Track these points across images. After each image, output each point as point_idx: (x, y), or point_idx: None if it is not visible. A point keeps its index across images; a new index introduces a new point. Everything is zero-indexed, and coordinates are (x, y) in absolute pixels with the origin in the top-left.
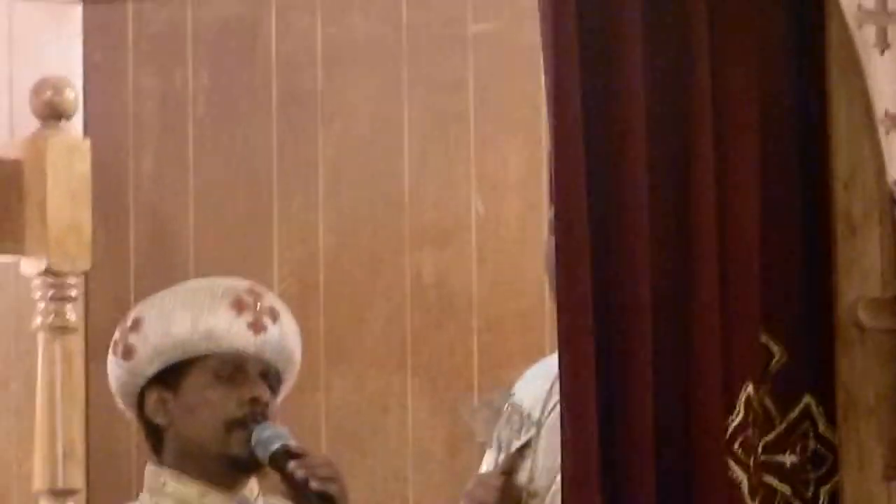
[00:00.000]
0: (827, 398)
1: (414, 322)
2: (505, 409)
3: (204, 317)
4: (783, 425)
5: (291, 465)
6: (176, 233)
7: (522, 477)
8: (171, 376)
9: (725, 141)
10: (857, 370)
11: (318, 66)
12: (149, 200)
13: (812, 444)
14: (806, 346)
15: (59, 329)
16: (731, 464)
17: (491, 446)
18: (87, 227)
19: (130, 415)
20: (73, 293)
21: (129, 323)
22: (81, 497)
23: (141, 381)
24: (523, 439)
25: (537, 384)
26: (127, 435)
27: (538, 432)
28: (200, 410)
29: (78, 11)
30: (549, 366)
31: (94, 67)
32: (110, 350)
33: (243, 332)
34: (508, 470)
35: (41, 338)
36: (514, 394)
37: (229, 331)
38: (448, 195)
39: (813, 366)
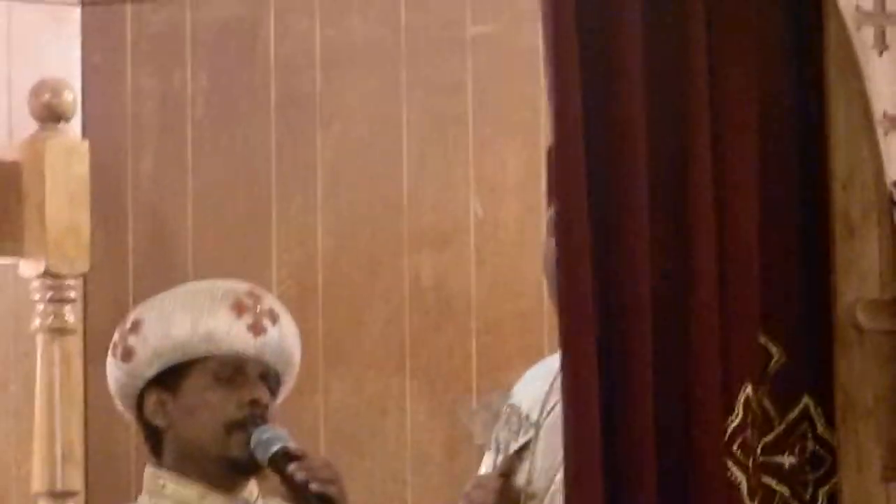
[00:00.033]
0: (826, 399)
1: (412, 324)
2: (504, 410)
3: (204, 319)
4: (782, 426)
5: (291, 467)
6: (175, 234)
7: (520, 479)
8: (170, 378)
9: (724, 141)
10: (855, 371)
11: (317, 67)
12: (148, 202)
13: (811, 445)
14: (805, 346)
15: (58, 331)
16: (730, 464)
17: (489, 448)
18: (86, 228)
19: (129, 417)
20: (72, 295)
21: (128, 325)
22: (80, 499)
23: (140, 383)
24: (521, 441)
25: (536, 385)
26: (126, 437)
27: (536, 434)
28: (200, 412)
29: (76, 13)
30: (548, 367)
31: (92, 69)
32: (109, 352)
33: (243, 335)
34: (507, 472)
35: (40, 339)
36: (512, 395)
37: (229, 333)
38: (447, 197)
39: (812, 367)
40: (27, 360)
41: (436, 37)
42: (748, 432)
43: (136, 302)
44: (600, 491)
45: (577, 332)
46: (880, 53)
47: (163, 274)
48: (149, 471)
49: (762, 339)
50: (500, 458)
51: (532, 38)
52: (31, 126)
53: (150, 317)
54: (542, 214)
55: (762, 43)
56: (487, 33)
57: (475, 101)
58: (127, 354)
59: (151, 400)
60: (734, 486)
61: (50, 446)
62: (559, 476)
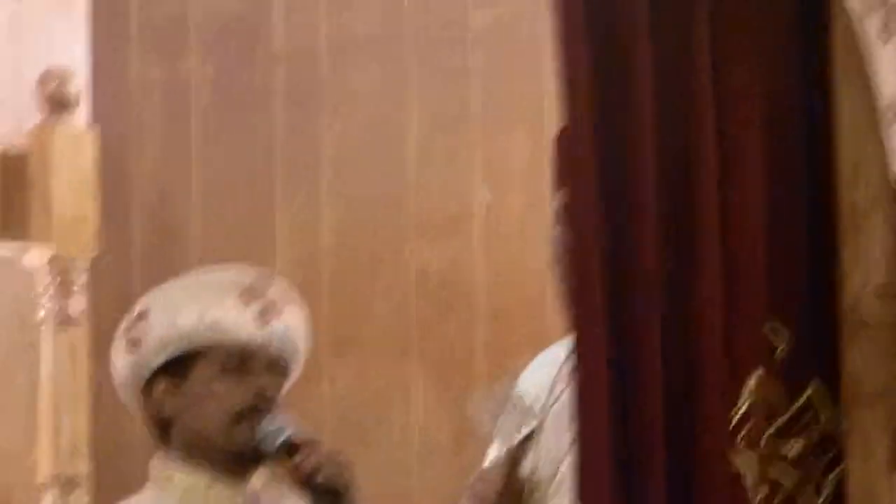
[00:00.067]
0: (833, 387)
1: (419, 313)
2: (510, 399)
3: (211, 308)
4: (789, 413)
5: (298, 457)
6: (180, 223)
7: (525, 468)
8: (177, 368)
9: (728, 136)
10: (862, 360)
11: (323, 57)
12: (153, 191)
13: (818, 432)
14: (813, 333)
15: (64, 321)
16: (737, 451)
17: (495, 438)
18: (93, 217)
19: (134, 407)
20: (78, 285)
21: (135, 314)
22: (86, 489)
23: (146, 373)
24: (525, 431)
25: (543, 372)
26: (132, 426)
27: (542, 421)
28: (206, 402)
29: (83, 2)
30: (554, 354)
31: (99, 58)
32: (115, 341)
33: (250, 325)
34: (511, 462)
35: (46, 330)
36: (518, 385)
37: (236, 322)
38: (452, 186)
39: (819, 354)
40: (33, 351)
41: (441, 26)
42: (755, 419)
43: (141, 291)
44: (609, 477)
45: (588, 320)
46: (885, 43)
47: (168, 263)
48: (155, 460)
49: (771, 325)
50: (505, 447)
51: (537, 26)
52: (38, 115)
53: (156, 306)
54: (548, 202)
55: (769, 27)
56: (493, 22)
57: (480, 91)
58: (133, 344)
59: (158, 389)
60: (741, 474)
61: (56, 436)
62: (565, 464)
